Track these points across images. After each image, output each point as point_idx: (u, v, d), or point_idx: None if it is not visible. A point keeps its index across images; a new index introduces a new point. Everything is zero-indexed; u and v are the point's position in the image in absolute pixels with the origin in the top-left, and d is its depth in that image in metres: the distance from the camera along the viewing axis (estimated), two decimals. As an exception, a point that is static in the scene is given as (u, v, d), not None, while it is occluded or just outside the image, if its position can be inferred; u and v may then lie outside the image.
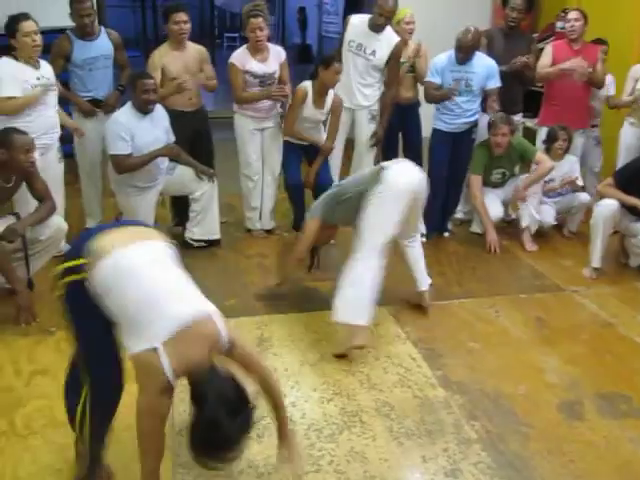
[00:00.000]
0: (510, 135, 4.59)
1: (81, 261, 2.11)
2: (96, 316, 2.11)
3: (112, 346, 2.21)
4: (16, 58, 3.92)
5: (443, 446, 2.66)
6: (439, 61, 4.60)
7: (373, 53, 4.65)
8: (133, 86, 4.07)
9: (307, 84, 4.46)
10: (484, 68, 4.52)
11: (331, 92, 4.50)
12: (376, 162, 4.80)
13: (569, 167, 4.84)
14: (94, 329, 2.19)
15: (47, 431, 2.69)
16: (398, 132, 5.20)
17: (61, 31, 4.54)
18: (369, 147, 4.91)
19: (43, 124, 3.99)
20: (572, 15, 4.84)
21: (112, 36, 4.53)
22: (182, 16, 4.34)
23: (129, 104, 4.12)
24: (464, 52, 4.44)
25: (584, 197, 4.82)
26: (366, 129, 4.87)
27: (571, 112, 4.87)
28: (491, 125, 4.58)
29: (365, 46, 4.64)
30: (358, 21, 4.67)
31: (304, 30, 15.07)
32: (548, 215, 4.79)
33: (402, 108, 4.96)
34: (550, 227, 4.87)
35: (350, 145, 5.08)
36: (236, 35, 15.05)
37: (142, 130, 4.07)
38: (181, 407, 2.84)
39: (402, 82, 4.91)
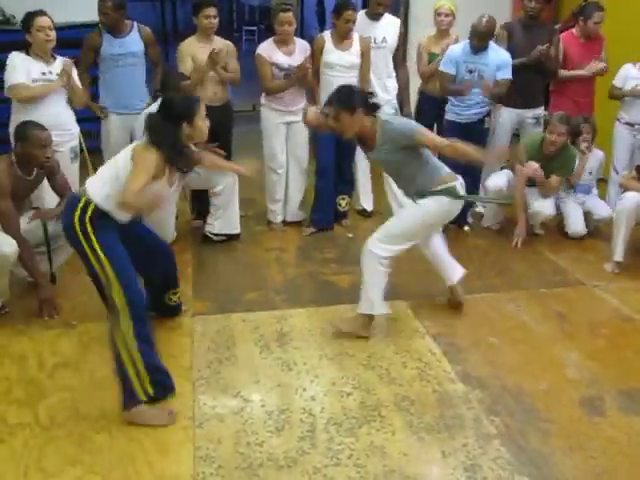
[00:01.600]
0: (566, 137, 4.45)
1: (83, 200, 2.76)
2: (116, 237, 2.79)
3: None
4: (27, 53, 3.97)
5: (463, 441, 2.66)
6: (454, 51, 4.57)
7: (384, 40, 4.67)
8: (171, 87, 4.07)
9: (325, 32, 4.58)
10: (497, 60, 4.49)
11: (355, 34, 4.52)
12: None
13: (598, 161, 4.76)
14: (119, 247, 2.80)
15: (70, 423, 2.72)
16: (433, 124, 5.18)
17: (87, 26, 4.59)
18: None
19: (51, 120, 3.92)
20: (601, 17, 4.75)
21: (143, 32, 4.55)
22: (212, 11, 4.39)
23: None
24: (478, 38, 4.40)
25: (605, 211, 4.70)
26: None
27: (581, 98, 4.86)
28: (547, 123, 4.50)
29: (374, 36, 4.65)
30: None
31: (322, 23, 15.01)
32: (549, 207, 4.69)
33: (436, 101, 4.90)
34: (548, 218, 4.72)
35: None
36: (254, 28, 15.03)
37: None
38: (201, 400, 2.87)
39: (436, 75, 4.85)
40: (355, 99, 3.20)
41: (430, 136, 3.27)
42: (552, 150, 4.48)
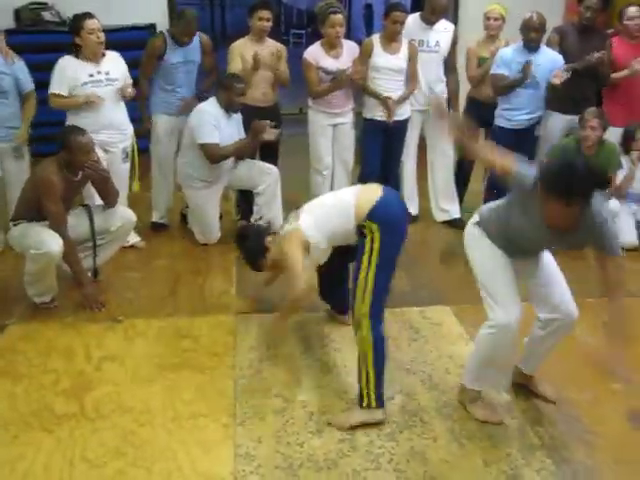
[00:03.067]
0: (602, 132, 4.34)
1: None
2: None
3: None
4: (77, 56, 4.04)
5: (506, 450, 2.61)
6: (505, 53, 4.51)
7: (437, 44, 4.65)
8: (226, 87, 4.21)
9: (374, 36, 4.58)
10: (550, 62, 4.41)
11: (404, 39, 4.52)
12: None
13: None
14: None
15: (114, 416, 2.77)
16: (481, 130, 5.13)
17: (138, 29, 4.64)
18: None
19: (100, 121, 4.05)
20: (633, 12, 4.65)
21: (203, 40, 4.59)
22: (267, 14, 4.45)
23: (214, 100, 4.26)
24: (534, 31, 4.33)
25: None
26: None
27: (635, 103, 4.71)
28: (580, 119, 4.38)
29: (427, 40, 4.63)
30: (410, 20, 4.61)
31: (370, 27, 15.02)
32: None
33: (486, 106, 4.81)
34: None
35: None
36: (302, 32, 15.13)
37: (223, 127, 4.22)
38: (243, 398, 2.89)
39: (485, 80, 4.81)
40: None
41: None
42: (589, 146, 4.34)
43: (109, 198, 3.78)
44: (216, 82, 4.46)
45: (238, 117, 4.40)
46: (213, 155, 4.21)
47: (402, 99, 4.57)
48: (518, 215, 2.55)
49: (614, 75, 4.72)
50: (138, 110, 4.53)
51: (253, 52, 4.39)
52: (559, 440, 2.68)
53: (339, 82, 4.45)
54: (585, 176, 2.26)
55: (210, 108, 4.22)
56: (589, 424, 2.78)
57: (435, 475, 2.47)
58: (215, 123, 4.17)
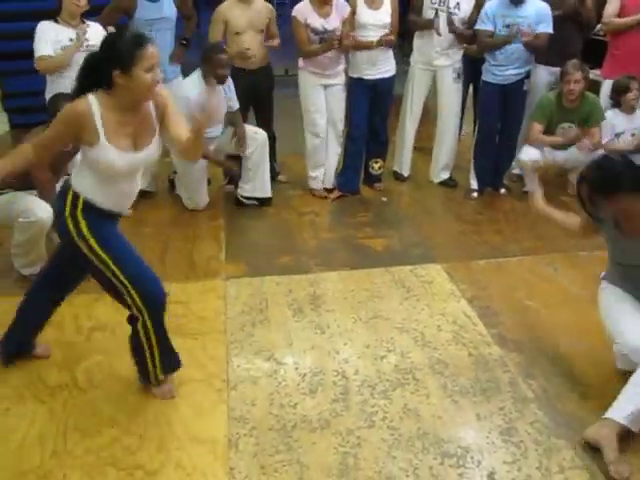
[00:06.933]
0: (584, 84, 4.27)
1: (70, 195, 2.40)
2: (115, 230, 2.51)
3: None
4: (56, 21, 3.93)
5: (499, 405, 2.62)
6: (489, 7, 4.39)
7: (457, 6, 4.48)
8: (207, 60, 4.09)
9: None
10: (535, 12, 4.30)
11: None
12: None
13: None
14: (121, 240, 2.51)
15: (106, 384, 2.76)
16: (469, 84, 5.06)
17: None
18: (454, 82, 4.74)
19: None
20: None
21: None
22: None
23: (199, 73, 4.15)
24: None
25: None
26: (452, 90, 4.74)
27: (637, 63, 4.60)
28: (562, 72, 4.30)
29: (447, 1, 4.47)
30: None
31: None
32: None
33: (473, 62, 4.74)
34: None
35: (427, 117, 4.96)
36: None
37: (210, 100, 4.08)
38: (235, 362, 2.89)
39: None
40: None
41: None
42: (572, 100, 4.29)
43: None
44: (202, 54, 4.32)
45: (228, 82, 4.29)
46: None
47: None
48: (613, 247, 2.61)
49: (618, 20, 4.61)
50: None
51: (248, 14, 4.26)
52: (551, 392, 2.69)
53: (329, 44, 4.33)
54: None
55: (188, 91, 4.06)
56: (581, 375, 2.79)
57: (428, 431, 2.48)
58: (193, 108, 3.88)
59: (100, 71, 2.26)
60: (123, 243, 2.52)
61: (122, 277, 2.43)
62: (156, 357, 2.62)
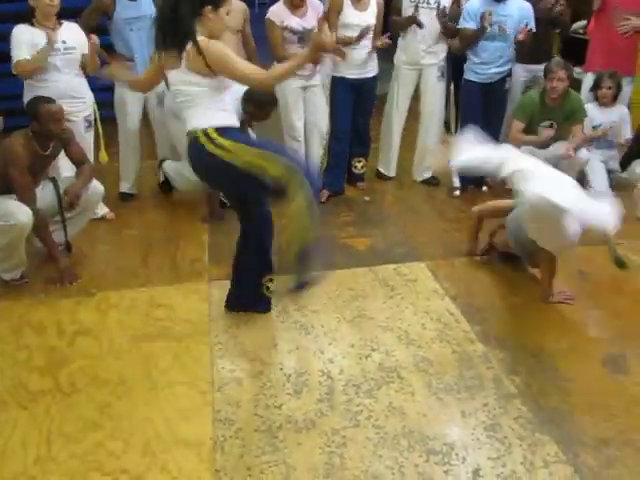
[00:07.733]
0: (568, 82, 4.27)
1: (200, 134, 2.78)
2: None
3: None
4: (32, 24, 3.88)
5: (483, 401, 2.63)
6: (472, 4, 4.42)
7: (436, 1, 4.48)
8: None
9: None
10: (519, 10, 4.34)
11: None
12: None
13: (618, 116, 4.63)
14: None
15: (90, 389, 2.74)
16: (450, 82, 5.08)
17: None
18: (438, 80, 4.75)
19: (58, 90, 3.87)
20: None
21: None
22: None
23: None
24: None
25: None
26: (435, 88, 4.74)
27: (618, 58, 4.66)
28: (546, 70, 4.31)
29: None
30: None
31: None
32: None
33: (455, 59, 4.79)
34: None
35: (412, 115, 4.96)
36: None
37: None
38: (220, 364, 2.88)
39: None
40: None
41: None
42: (554, 98, 4.29)
43: (79, 158, 3.71)
44: None
45: None
46: None
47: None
48: None
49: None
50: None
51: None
52: (535, 388, 2.70)
53: (303, 60, 4.27)
54: None
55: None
56: (565, 371, 2.81)
57: (414, 429, 2.49)
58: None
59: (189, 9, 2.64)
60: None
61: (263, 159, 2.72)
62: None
